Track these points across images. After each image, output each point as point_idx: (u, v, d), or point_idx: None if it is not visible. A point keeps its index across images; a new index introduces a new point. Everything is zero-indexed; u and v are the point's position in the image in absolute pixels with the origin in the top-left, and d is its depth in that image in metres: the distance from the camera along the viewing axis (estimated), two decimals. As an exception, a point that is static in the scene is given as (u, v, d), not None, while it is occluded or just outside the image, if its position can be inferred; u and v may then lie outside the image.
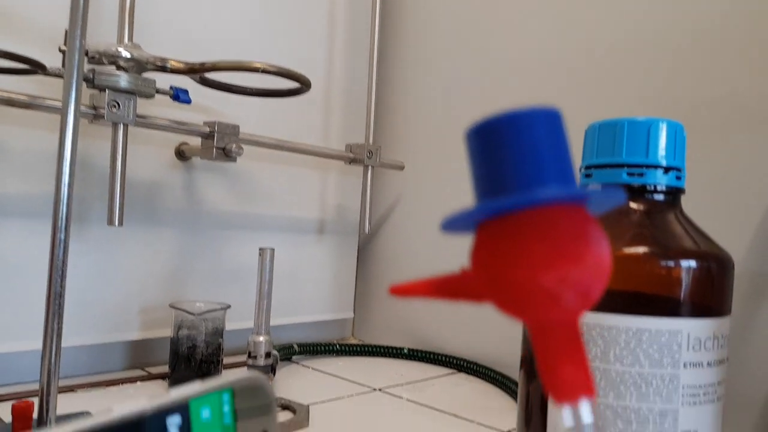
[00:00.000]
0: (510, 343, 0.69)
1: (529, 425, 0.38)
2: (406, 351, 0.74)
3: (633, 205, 0.36)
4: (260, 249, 0.55)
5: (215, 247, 0.68)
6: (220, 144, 0.60)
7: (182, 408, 0.22)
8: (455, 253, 0.75)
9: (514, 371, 0.67)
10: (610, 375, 0.34)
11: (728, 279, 0.36)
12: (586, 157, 0.38)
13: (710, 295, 0.35)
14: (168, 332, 0.61)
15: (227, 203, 0.69)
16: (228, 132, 0.61)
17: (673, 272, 0.34)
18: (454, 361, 0.71)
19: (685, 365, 0.34)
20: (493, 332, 0.71)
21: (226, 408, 0.23)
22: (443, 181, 0.76)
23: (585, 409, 0.15)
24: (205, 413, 0.23)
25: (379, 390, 0.63)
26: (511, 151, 0.15)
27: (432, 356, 0.73)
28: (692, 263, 0.34)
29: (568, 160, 0.16)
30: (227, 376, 0.24)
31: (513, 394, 0.62)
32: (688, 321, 0.34)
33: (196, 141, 0.64)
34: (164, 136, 0.63)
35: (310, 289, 0.77)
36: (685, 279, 0.34)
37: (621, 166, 0.36)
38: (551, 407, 0.36)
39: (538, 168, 0.15)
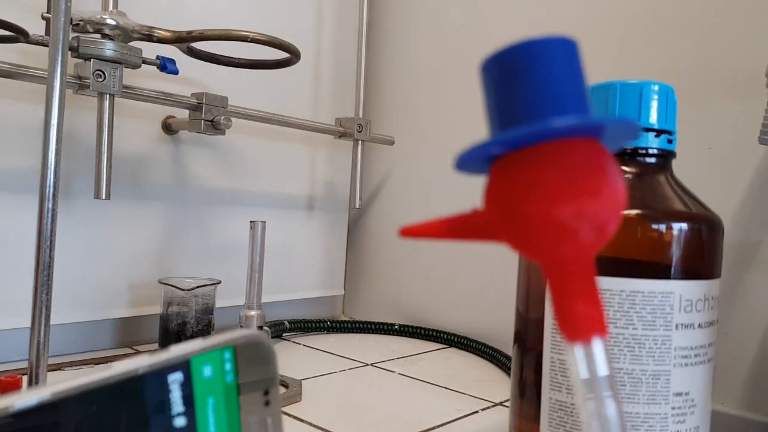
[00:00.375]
0: (500, 318, 0.70)
1: (523, 397, 0.39)
2: (397, 327, 0.74)
3: (624, 168, 0.37)
4: (251, 222, 0.54)
5: (204, 222, 0.67)
6: (208, 116, 0.59)
7: (183, 365, 0.22)
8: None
9: (505, 346, 0.67)
10: (605, 338, 0.34)
11: (718, 241, 0.36)
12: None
13: (701, 257, 0.35)
14: (157, 309, 0.60)
15: (215, 178, 0.68)
16: (216, 104, 0.60)
17: (664, 235, 0.34)
18: (445, 336, 0.71)
19: (677, 327, 0.34)
20: (484, 308, 0.71)
21: (228, 366, 0.23)
22: (433, 156, 0.76)
23: (598, 347, 0.15)
24: (207, 371, 0.22)
25: (371, 365, 0.63)
26: (525, 80, 0.15)
27: (423, 332, 0.73)
28: (684, 225, 0.34)
29: (584, 90, 0.15)
30: (229, 334, 0.24)
31: (505, 367, 0.62)
32: (679, 283, 0.34)
33: (183, 114, 0.63)
34: (151, 109, 0.62)
35: (300, 266, 0.77)
36: (677, 241, 0.34)
37: (615, 129, 0.36)
38: (546, 382, 0.36)
39: (554, 97, 0.15)
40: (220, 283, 0.61)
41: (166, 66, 0.56)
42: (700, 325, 0.34)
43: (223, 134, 0.61)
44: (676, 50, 0.57)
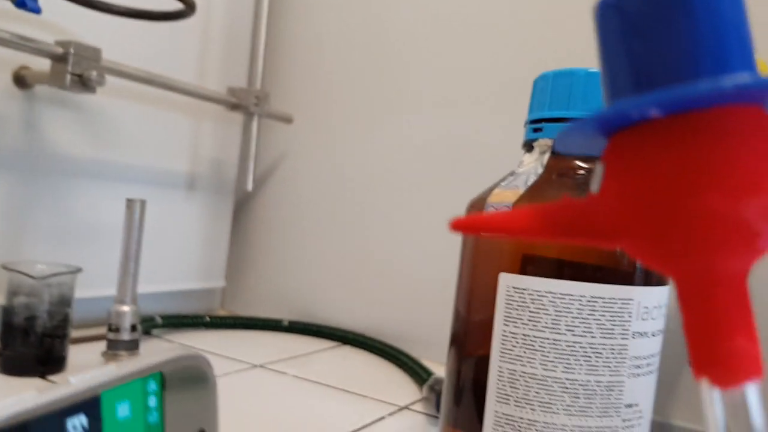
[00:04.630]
0: (398, 314, 0.66)
1: (459, 405, 0.35)
2: (286, 324, 0.67)
3: (581, 163, 0.34)
4: (128, 200, 0.46)
5: (60, 198, 0.56)
6: (75, 69, 0.49)
7: (90, 404, 0.15)
8: (345, 218, 0.70)
9: (404, 343, 0.64)
10: (560, 346, 0.31)
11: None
12: (535, 109, 0.35)
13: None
14: (-1, 300, 0.49)
15: (77, 146, 0.57)
16: (87, 56, 0.50)
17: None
18: (339, 334, 0.66)
19: (633, 335, 0.32)
20: (381, 302, 0.67)
21: (153, 401, 0.16)
22: (335, 138, 0.70)
23: (753, 393, 0.11)
24: (123, 410, 0.16)
25: (261, 366, 0.56)
26: (674, 25, 0.10)
27: (314, 329, 0.67)
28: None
29: (750, 40, 0.11)
30: (154, 357, 0.17)
31: (406, 367, 0.58)
32: (639, 289, 0.32)
33: (39, 65, 0.51)
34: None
35: (175, 254, 0.68)
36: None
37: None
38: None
39: (718, 48, 0.10)
40: (80, 271, 0.51)
41: (25, 2, 0.45)
42: (653, 334, 0.33)
43: (94, 92, 0.51)
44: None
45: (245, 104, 0.64)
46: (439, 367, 0.54)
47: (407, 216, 0.66)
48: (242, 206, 0.76)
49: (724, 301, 0.11)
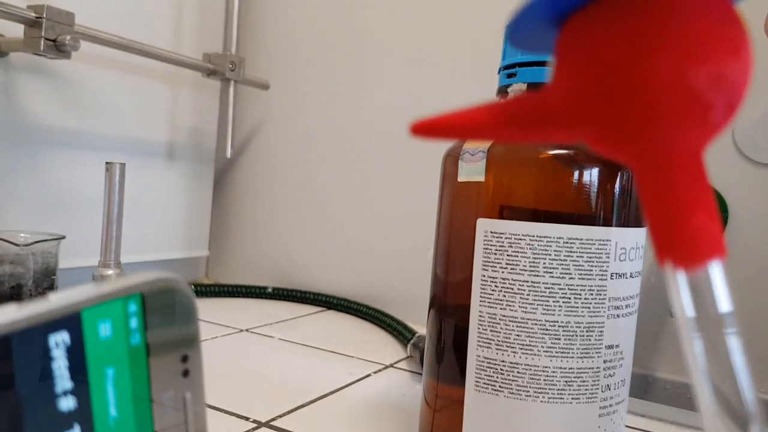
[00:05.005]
0: (379, 279, 0.67)
1: (441, 362, 0.35)
2: (270, 290, 0.68)
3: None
4: (107, 163, 0.45)
5: (39, 167, 0.56)
6: (49, 35, 0.48)
7: (71, 321, 0.15)
8: (325, 184, 0.70)
9: (387, 306, 0.64)
10: (539, 288, 0.32)
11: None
12: (508, 56, 0.35)
13: (635, 203, 0.34)
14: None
15: (55, 114, 0.57)
16: (60, 21, 0.49)
17: (601, 178, 0.32)
18: (323, 299, 0.66)
19: (612, 276, 0.32)
20: (362, 267, 0.67)
21: (134, 322, 0.16)
22: (311, 103, 0.70)
23: (717, 273, 0.12)
24: (105, 329, 0.16)
25: (247, 330, 0.56)
26: None
27: (299, 295, 0.67)
28: (620, 170, 0.33)
29: None
30: (134, 277, 0.17)
31: (390, 328, 0.59)
32: (616, 230, 0.32)
33: (12, 32, 0.51)
34: (-31, 22, 0.49)
35: (157, 224, 0.68)
36: (616, 185, 0.33)
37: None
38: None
39: None
40: (64, 238, 0.50)
41: (-7, -37, 0.44)
42: (631, 275, 0.33)
43: (69, 58, 0.50)
44: None
45: (221, 70, 0.64)
46: (422, 329, 0.55)
47: (386, 180, 0.66)
48: (223, 175, 0.76)
49: (682, 180, 0.11)
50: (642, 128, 0.11)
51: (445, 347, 0.35)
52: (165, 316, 0.17)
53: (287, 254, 0.72)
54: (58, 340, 0.15)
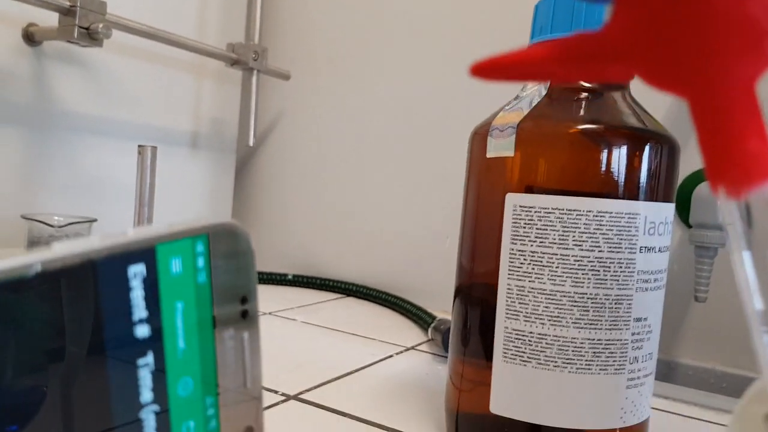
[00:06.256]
0: (397, 267, 0.67)
1: (467, 345, 0.36)
2: (290, 277, 0.69)
3: (584, 83, 0.34)
4: (140, 146, 0.46)
5: (70, 153, 0.57)
6: (83, 23, 0.50)
7: (147, 255, 0.16)
8: (344, 174, 0.70)
9: (405, 293, 0.65)
10: (568, 261, 0.32)
11: (677, 164, 0.36)
12: (537, 34, 0.36)
13: (662, 178, 0.34)
14: (18, 251, 0.50)
15: (85, 102, 0.58)
16: (93, 9, 0.50)
17: (628, 153, 0.33)
18: (342, 286, 0.67)
19: (640, 250, 0.33)
20: (379, 255, 0.68)
21: (201, 262, 0.17)
22: (331, 93, 0.71)
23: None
24: (176, 265, 0.17)
25: (270, 314, 0.57)
26: None
27: (318, 281, 0.68)
28: (649, 145, 0.33)
29: None
30: (202, 219, 0.18)
31: (410, 314, 0.59)
32: (645, 204, 0.33)
33: (47, 22, 0.52)
34: (9, 14, 0.50)
35: (180, 211, 0.69)
36: (644, 159, 0.33)
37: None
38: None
39: None
40: (95, 221, 0.51)
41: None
42: (659, 249, 0.34)
43: (101, 45, 0.52)
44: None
45: (244, 59, 0.65)
46: (440, 315, 0.56)
47: (403, 169, 0.66)
48: (244, 164, 0.77)
49: (736, 108, 0.12)
50: (699, 57, 0.12)
51: (471, 327, 0.36)
52: (227, 258, 0.18)
53: (306, 241, 0.73)
54: (137, 272, 0.15)
